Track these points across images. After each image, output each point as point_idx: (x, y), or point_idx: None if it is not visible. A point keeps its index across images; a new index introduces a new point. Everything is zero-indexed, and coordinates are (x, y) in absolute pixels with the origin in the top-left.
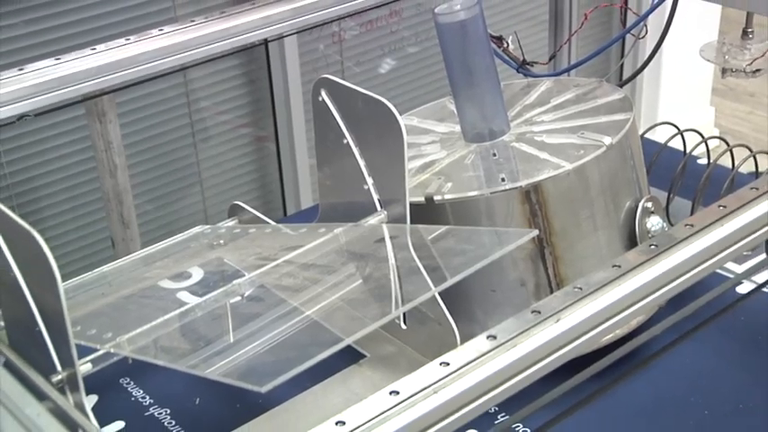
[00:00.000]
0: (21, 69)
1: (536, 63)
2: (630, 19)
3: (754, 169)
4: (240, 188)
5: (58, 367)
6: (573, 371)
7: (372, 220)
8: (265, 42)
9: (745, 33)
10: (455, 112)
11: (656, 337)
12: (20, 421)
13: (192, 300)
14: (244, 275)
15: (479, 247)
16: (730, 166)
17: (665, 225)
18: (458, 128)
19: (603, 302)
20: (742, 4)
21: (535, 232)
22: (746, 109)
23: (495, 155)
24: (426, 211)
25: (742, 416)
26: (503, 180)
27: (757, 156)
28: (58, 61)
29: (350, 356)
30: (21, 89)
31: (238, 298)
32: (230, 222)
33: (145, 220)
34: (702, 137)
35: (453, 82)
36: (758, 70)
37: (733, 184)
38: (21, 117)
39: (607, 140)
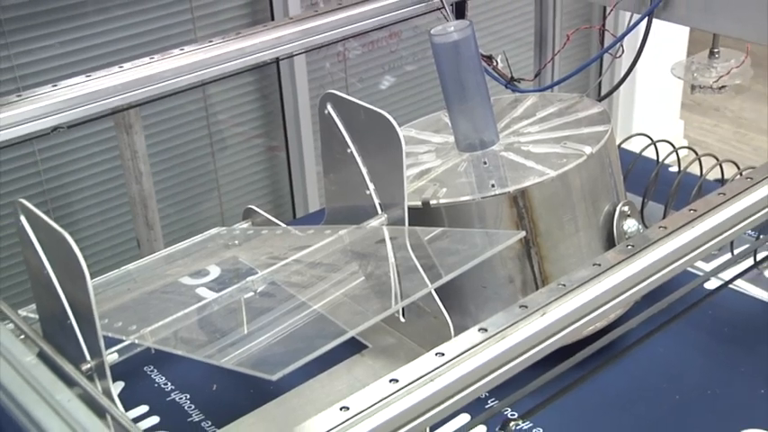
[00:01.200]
0: (54, 86)
1: (523, 80)
2: (608, 40)
3: (720, 176)
4: (254, 193)
5: (87, 357)
6: (557, 360)
7: (374, 223)
8: (277, 61)
9: (711, 53)
10: (449, 124)
11: (632, 329)
12: (51, 406)
13: (209, 295)
14: (256, 273)
15: (471, 247)
16: (699, 173)
17: (640, 227)
18: (452, 138)
19: (585, 298)
20: (709, 27)
21: (522, 234)
22: (712, 122)
23: (485, 163)
24: (423, 215)
25: (710, 401)
26: (493, 186)
27: (723, 164)
28: (89, 78)
29: (353, 347)
30: (54, 103)
31: (251, 293)
32: (244, 224)
33: (167, 223)
34: (673, 147)
35: (447, 97)
36: (723, 87)
37: (701, 190)
38: (54, 129)
39: (587, 150)
